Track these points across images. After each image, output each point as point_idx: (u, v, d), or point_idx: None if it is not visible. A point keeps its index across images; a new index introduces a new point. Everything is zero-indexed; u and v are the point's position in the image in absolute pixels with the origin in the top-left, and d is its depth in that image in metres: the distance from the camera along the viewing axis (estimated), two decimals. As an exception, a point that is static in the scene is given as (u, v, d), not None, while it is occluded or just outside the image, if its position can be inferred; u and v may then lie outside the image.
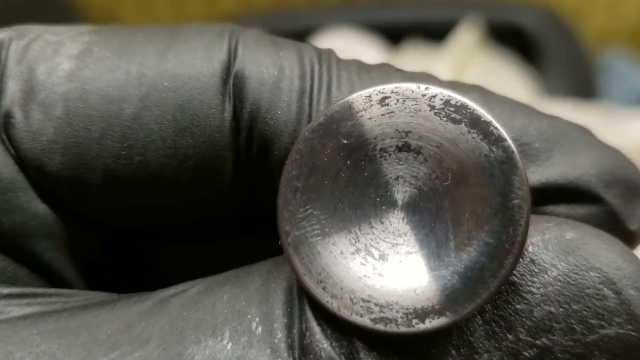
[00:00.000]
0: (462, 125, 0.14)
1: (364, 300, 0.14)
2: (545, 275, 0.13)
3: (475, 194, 0.14)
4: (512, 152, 0.13)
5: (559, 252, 0.14)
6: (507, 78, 0.52)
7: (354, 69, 0.16)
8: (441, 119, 0.14)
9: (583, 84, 0.74)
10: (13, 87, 0.15)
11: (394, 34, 0.72)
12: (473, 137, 0.14)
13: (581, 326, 0.13)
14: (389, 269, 0.14)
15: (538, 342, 0.13)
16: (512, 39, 0.76)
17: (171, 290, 0.14)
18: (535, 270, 0.14)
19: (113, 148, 0.15)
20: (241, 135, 0.16)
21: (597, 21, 0.88)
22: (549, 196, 0.15)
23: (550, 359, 0.13)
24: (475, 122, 0.14)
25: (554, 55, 0.74)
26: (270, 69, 0.15)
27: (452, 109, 0.14)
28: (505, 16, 0.78)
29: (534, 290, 0.13)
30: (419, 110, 0.14)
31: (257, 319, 0.14)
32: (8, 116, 0.15)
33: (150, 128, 0.15)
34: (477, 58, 0.51)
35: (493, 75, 0.50)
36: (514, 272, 0.14)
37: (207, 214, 0.17)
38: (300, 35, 0.64)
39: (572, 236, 0.14)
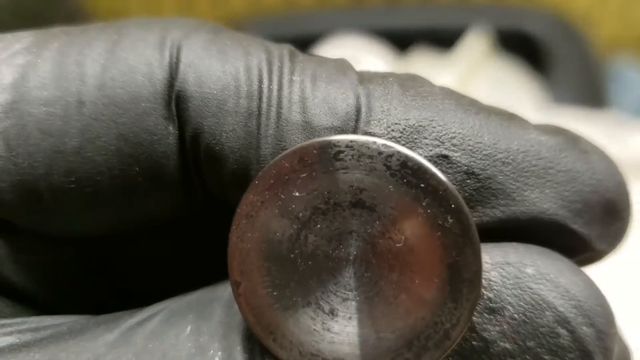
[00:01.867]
0: (418, 190, 0.13)
1: (312, 354, 0.14)
2: (502, 313, 0.13)
3: (427, 261, 0.13)
4: (468, 225, 0.13)
5: (517, 291, 0.14)
6: (515, 86, 0.51)
7: (308, 82, 0.15)
8: (397, 181, 0.13)
9: (592, 91, 0.73)
10: None
11: (402, 39, 0.72)
12: (428, 204, 0.13)
13: None
14: (337, 325, 0.14)
15: None
16: (520, 45, 0.76)
17: (136, 318, 0.14)
18: (493, 307, 0.14)
19: (61, 182, 0.14)
20: (188, 157, 0.15)
21: (607, 28, 0.88)
22: (513, 232, 0.15)
23: None
24: (432, 190, 0.13)
25: (563, 62, 0.74)
26: (213, 88, 0.14)
27: (409, 171, 0.13)
28: (514, 23, 0.78)
29: (490, 328, 0.13)
30: (375, 169, 0.13)
31: (219, 354, 0.13)
32: None
33: (95, 160, 0.14)
34: (484, 66, 0.51)
35: (500, 84, 0.50)
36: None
37: (167, 220, 0.17)
38: (309, 38, 0.65)
39: (530, 272, 0.14)
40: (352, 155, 0.13)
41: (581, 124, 0.55)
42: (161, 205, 0.16)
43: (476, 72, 0.49)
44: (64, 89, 0.14)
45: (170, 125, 0.15)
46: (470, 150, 0.14)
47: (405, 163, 0.13)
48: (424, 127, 0.14)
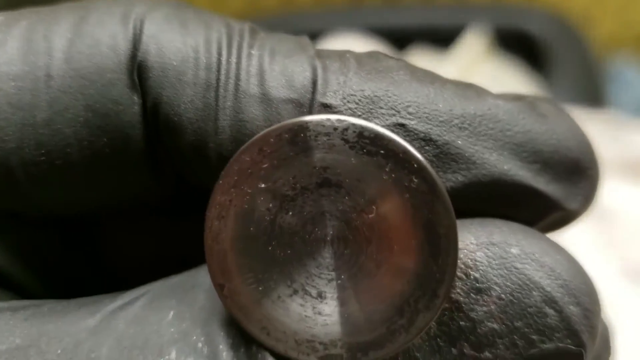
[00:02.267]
0: (379, 157, 0.13)
1: (308, 341, 0.14)
2: (489, 294, 0.14)
3: (401, 226, 0.13)
4: (433, 181, 0.13)
5: (503, 271, 0.14)
6: (512, 85, 0.51)
7: (266, 56, 0.15)
8: (357, 153, 0.13)
9: (591, 90, 0.74)
10: None
11: (401, 38, 0.72)
12: (391, 169, 0.13)
13: (523, 341, 0.13)
14: (327, 307, 0.14)
15: (482, 355, 0.13)
16: (520, 44, 0.76)
17: (118, 302, 0.14)
18: (479, 288, 0.14)
19: (32, 155, 0.15)
20: (150, 128, 0.15)
21: (606, 27, 0.88)
22: (478, 196, 0.15)
23: None
24: (392, 154, 0.13)
25: (562, 61, 0.75)
26: (173, 59, 0.15)
27: (367, 141, 0.13)
28: (513, 22, 0.78)
29: (478, 308, 0.14)
30: (334, 145, 0.13)
31: (202, 339, 0.13)
32: None
33: (64, 132, 0.15)
34: (482, 64, 0.51)
35: (497, 82, 0.50)
36: (458, 290, 0.14)
37: (138, 200, 0.17)
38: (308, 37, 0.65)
39: (515, 252, 0.14)
40: (309, 136, 0.13)
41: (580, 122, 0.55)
42: (130, 181, 0.16)
43: (474, 70, 0.49)
44: (32, 63, 0.15)
45: (135, 95, 0.15)
46: (426, 117, 0.14)
47: (362, 133, 0.13)
48: (380, 97, 0.15)
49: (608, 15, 0.87)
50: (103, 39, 0.15)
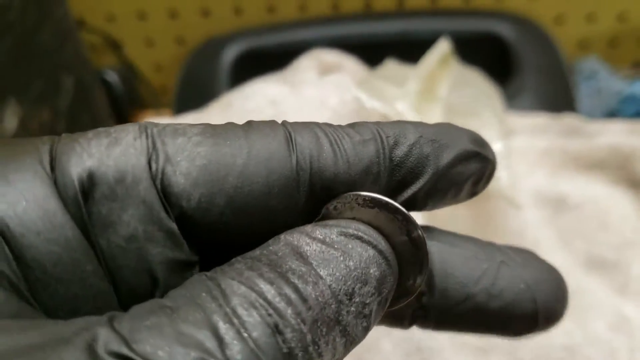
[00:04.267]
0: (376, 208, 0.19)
1: None
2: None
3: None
4: (407, 215, 0.19)
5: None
6: (476, 91, 0.55)
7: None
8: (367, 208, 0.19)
9: (561, 94, 0.76)
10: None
11: (378, 47, 0.75)
12: (383, 212, 0.19)
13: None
14: None
15: None
16: (490, 48, 0.79)
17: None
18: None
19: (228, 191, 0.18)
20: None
21: (576, 32, 0.91)
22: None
23: None
24: (382, 206, 0.19)
25: (532, 65, 0.77)
26: None
27: (369, 201, 0.19)
28: (484, 26, 0.81)
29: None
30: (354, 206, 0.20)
31: None
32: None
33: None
34: (446, 72, 0.54)
35: (460, 88, 0.53)
36: None
37: None
38: (289, 49, 0.68)
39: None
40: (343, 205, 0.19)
41: (545, 128, 0.58)
42: None
43: (438, 77, 0.52)
44: (229, 146, 0.19)
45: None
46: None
47: (365, 199, 0.19)
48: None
49: (577, 18, 0.90)
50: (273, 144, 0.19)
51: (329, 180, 0.19)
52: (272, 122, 0.19)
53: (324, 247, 0.17)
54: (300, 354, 0.15)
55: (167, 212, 0.17)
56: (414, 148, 0.20)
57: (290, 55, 0.63)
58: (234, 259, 0.17)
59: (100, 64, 0.90)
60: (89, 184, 0.17)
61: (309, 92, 0.47)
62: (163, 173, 0.17)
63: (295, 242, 0.17)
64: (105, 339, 0.14)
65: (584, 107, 0.81)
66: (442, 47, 0.58)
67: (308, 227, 0.18)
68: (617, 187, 0.52)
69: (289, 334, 0.15)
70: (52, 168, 0.17)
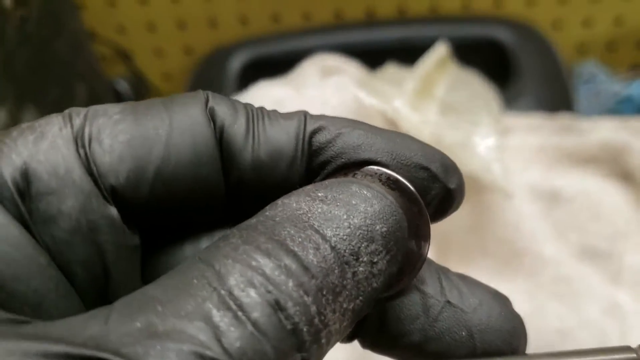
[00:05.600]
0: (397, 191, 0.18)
1: None
2: None
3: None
4: (421, 205, 0.18)
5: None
6: (472, 91, 0.57)
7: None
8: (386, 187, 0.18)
9: (559, 98, 0.77)
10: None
11: (379, 53, 0.77)
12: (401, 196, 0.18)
13: None
14: None
15: None
16: (489, 53, 0.81)
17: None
18: None
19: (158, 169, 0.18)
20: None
21: (573, 35, 0.93)
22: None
23: None
24: (403, 189, 0.18)
25: (530, 69, 0.78)
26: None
27: (392, 182, 0.18)
28: (483, 31, 0.83)
29: None
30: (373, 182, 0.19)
31: None
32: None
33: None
34: (443, 75, 0.56)
35: (458, 88, 0.56)
36: None
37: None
38: (294, 57, 0.70)
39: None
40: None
41: (540, 127, 0.60)
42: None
43: (435, 78, 0.54)
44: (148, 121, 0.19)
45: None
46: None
47: (389, 178, 0.18)
48: None
49: (575, 23, 0.92)
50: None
51: (236, 154, 0.18)
52: (194, 92, 0.19)
53: (324, 206, 0.16)
54: (305, 329, 0.14)
55: (104, 197, 0.17)
56: (338, 138, 0.19)
57: (295, 63, 0.66)
58: (229, 232, 0.16)
59: (112, 74, 0.93)
60: (23, 182, 0.16)
61: (311, 93, 0.49)
62: (91, 156, 0.17)
63: (294, 204, 0.16)
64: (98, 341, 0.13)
65: (583, 109, 0.82)
66: (440, 50, 0.60)
67: (309, 187, 0.17)
68: (609, 180, 0.55)
69: (291, 309, 0.14)
70: None
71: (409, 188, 0.18)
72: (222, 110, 0.19)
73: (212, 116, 0.19)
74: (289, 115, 0.19)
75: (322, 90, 0.49)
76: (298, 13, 0.90)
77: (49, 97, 0.60)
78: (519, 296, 0.48)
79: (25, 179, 0.17)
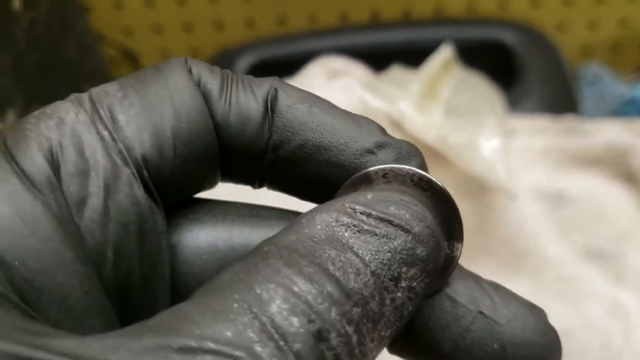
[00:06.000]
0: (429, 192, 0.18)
1: None
2: None
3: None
4: (455, 207, 0.18)
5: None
6: (477, 93, 0.57)
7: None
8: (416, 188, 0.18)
9: (564, 100, 0.78)
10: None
11: (384, 55, 0.78)
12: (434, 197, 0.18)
13: None
14: None
15: None
16: (494, 55, 0.82)
17: None
18: None
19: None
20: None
21: (578, 37, 0.93)
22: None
23: None
24: (436, 190, 0.18)
25: (535, 71, 0.79)
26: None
27: (423, 183, 0.18)
28: (488, 33, 0.84)
29: None
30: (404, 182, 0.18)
31: None
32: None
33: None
34: (448, 77, 0.57)
35: (463, 90, 0.56)
36: None
37: None
38: (300, 59, 0.71)
39: None
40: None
41: (540, 122, 0.61)
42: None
43: (440, 80, 0.55)
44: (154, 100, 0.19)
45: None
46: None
47: (421, 178, 0.18)
48: None
49: (580, 26, 0.93)
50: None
51: (211, 114, 0.19)
52: (175, 58, 0.20)
53: (364, 226, 0.16)
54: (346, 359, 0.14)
55: (133, 175, 0.17)
56: (297, 110, 0.19)
57: (301, 65, 0.66)
58: (264, 245, 0.16)
59: (119, 75, 0.93)
60: (53, 165, 0.16)
61: (317, 94, 0.49)
62: (111, 135, 0.17)
63: (333, 223, 0.16)
64: None
65: (588, 111, 0.83)
66: (445, 53, 0.61)
67: (347, 202, 0.17)
68: (613, 182, 0.55)
69: (334, 340, 0.14)
70: (12, 157, 0.16)
71: (441, 188, 0.18)
72: (202, 71, 0.19)
73: (194, 77, 0.19)
74: (261, 82, 0.20)
75: (328, 92, 0.49)
76: (304, 15, 0.91)
77: (57, 99, 0.60)
78: (523, 296, 0.48)
79: (55, 161, 0.17)
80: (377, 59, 0.72)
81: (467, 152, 0.47)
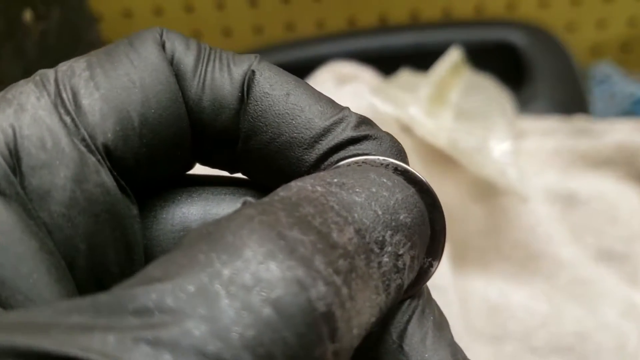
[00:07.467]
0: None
1: None
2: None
3: None
4: (435, 197, 0.17)
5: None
6: (486, 96, 0.57)
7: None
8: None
9: (574, 100, 0.77)
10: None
11: (393, 59, 0.78)
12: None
13: None
14: None
15: None
16: (503, 56, 0.82)
17: None
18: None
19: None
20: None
21: (587, 37, 0.93)
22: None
23: None
24: (414, 181, 0.17)
25: (545, 71, 0.78)
26: None
27: (399, 172, 0.17)
28: (496, 35, 0.83)
29: None
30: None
31: None
32: None
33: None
34: (457, 79, 0.57)
35: (473, 93, 0.56)
36: None
37: None
38: (308, 64, 0.71)
39: None
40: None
41: (551, 123, 0.60)
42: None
43: (449, 83, 0.55)
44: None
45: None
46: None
47: (396, 168, 0.17)
48: None
49: (589, 26, 0.92)
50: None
51: (183, 91, 0.18)
52: (150, 30, 0.19)
53: (343, 192, 0.14)
54: (338, 312, 0.12)
55: (99, 161, 0.16)
56: (273, 98, 0.18)
57: (309, 70, 0.66)
58: (238, 208, 0.14)
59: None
60: (13, 158, 0.16)
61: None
62: (74, 122, 0.16)
63: (309, 187, 0.14)
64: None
65: (598, 111, 0.82)
66: (454, 56, 0.61)
67: (322, 173, 0.16)
68: (624, 182, 0.55)
69: (322, 287, 0.12)
70: None
71: (419, 178, 0.17)
72: (176, 46, 0.18)
73: (167, 52, 0.18)
74: (240, 61, 0.18)
75: (338, 98, 0.49)
76: (312, 21, 0.91)
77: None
78: (537, 298, 0.48)
79: (15, 155, 0.16)
80: (386, 63, 0.72)
81: (478, 156, 0.47)
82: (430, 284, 0.18)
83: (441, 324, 0.17)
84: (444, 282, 0.41)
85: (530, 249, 0.50)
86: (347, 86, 0.54)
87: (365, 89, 0.50)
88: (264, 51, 0.88)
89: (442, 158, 0.47)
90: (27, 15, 0.60)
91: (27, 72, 0.63)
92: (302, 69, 0.71)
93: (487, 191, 0.49)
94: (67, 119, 0.16)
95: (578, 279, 0.49)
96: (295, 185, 0.15)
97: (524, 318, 0.46)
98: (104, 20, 0.90)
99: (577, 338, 0.45)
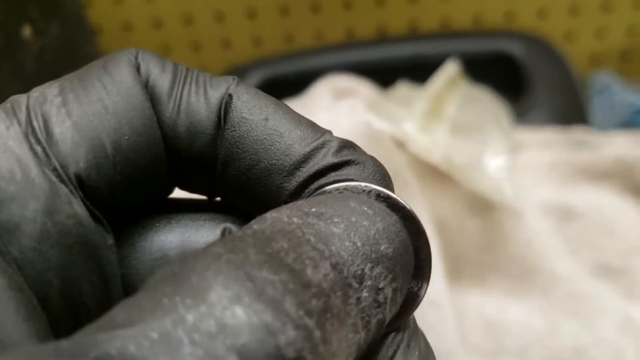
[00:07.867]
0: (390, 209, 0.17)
1: None
2: None
3: None
4: (419, 225, 0.17)
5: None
6: (483, 109, 0.57)
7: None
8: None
9: (574, 110, 0.77)
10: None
11: (391, 70, 0.78)
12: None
13: None
14: None
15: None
16: (502, 67, 0.82)
17: None
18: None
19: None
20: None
21: (586, 46, 0.93)
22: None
23: None
24: (398, 207, 0.17)
25: (544, 82, 0.78)
26: None
27: (382, 198, 0.17)
28: (495, 45, 0.84)
29: None
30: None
31: None
32: None
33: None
34: (454, 92, 0.57)
35: (469, 106, 0.56)
36: None
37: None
38: (307, 76, 0.71)
39: None
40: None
41: (549, 134, 0.60)
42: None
43: (445, 97, 0.55)
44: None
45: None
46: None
47: (379, 194, 0.17)
48: None
49: (588, 35, 0.92)
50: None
51: (158, 115, 0.17)
52: (124, 51, 0.18)
53: (321, 222, 0.14)
54: (309, 358, 0.11)
55: (71, 192, 0.16)
56: (251, 123, 0.17)
57: (308, 82, 0.67)
58: (208, 245, 0.13)
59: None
60: None
61: (323, 116, 0.50)
62: (45, 152, 0.16)
63: (285, 218, 0.14)
64: None
65: (598, 121, 0.82)
66: (450, 69, 0.61)
67: (299, 202, 0.15)
68: (622, 196, 0.55)
69: (291, 333, 0.11)
70: None
71: (402, 205, 0.16)
72: (151, 69, 0.18)
73: (142, 76, 0.18)
74: (217, 83, 0.18)
75: (334, 113, 0.49)
76: (310, 33, 0.91)
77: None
78: (533, 313, 0.48)
79: None
80: (385, 74, 0.73)
81: (473, 171, 0.47)
82: (426, 299, 0.17)
83: (427, 358, 0.16)
84: (439, 298, 0.41)
85: (527, 263, 0.50)
86: (344, 101, 0.54)
87: (361, 105, 0.50)
88: (263, 63, 0.88)
89: (437, 173, 0.47)
90: (27, 31, 0.61)
91: (26, 88, 0.63)
92: (301, 81, 0.71)
93: (483, 206, 0.49)
94: (38, 149, 0.16)
95: (575, 293, 0.49)
96: (271, 217, 0.14)
97: (520, 333, 0.46)
98: (103, 33, 0.90)
99: (574, 353, 0.45)
